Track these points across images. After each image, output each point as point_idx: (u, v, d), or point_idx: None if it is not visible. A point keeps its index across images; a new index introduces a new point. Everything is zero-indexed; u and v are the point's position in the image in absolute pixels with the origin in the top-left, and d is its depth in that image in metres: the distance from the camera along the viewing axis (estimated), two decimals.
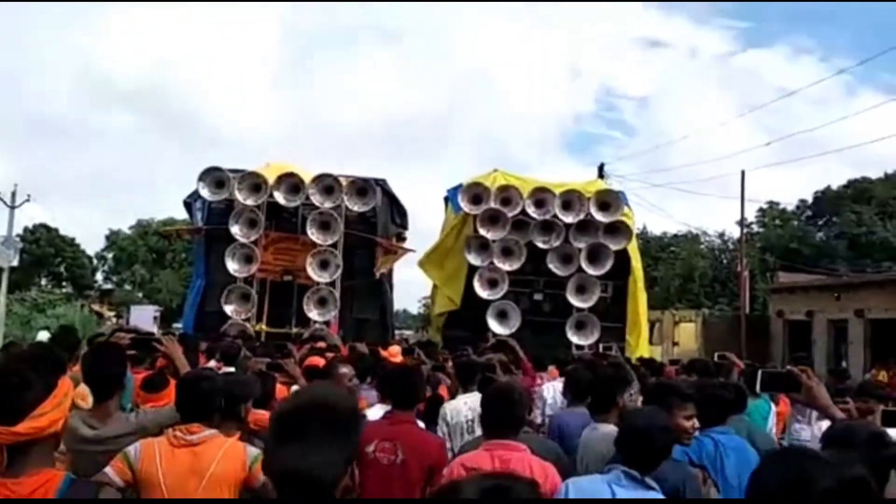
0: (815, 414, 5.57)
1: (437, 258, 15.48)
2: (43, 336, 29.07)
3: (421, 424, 4.67)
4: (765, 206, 48.78)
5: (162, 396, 4.37)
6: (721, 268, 46.62)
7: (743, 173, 29.86)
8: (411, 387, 4.47)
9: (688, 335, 29.50)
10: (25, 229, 54.49)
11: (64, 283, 64.43)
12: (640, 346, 14.67)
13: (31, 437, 2.31)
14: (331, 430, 1.90)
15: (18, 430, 2.28)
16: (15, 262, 30.86)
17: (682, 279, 44.80)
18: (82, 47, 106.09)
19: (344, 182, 14.48)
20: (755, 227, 48.68)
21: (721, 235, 48.65)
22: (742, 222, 33.07)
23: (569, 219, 14.57)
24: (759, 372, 3.58)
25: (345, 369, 5.49)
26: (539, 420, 6.94)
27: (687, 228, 49.40)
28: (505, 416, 3.79)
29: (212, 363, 7.23)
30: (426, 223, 19.70)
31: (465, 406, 5.45)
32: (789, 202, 50.83)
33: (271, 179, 14.20)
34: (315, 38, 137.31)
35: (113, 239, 67.90)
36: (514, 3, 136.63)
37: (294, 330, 13.82)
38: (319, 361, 6.84)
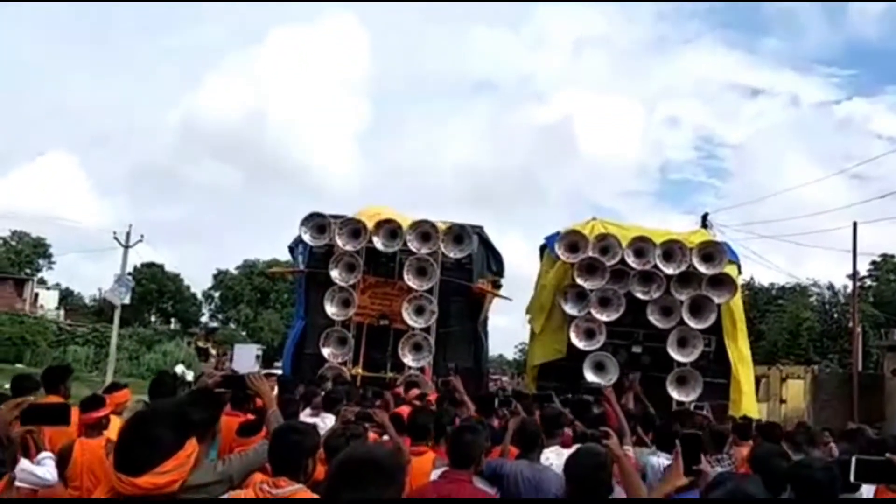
0: None
1: (540, 307, 15.24)
2: (179, 370, 30.50)
3: (480, 484, 4.43)
4: (878, 259, 46.54)
5: (254, 441, 4.26)
6: (830, 322, 44.61)
7: (855, 225, 28.66)
8: (466, 446, 4.35)
9: (796, 392, 28.14)
10: (135, 268, 56.97)
11: (171, 321, 66.89)
12: (746, 404, 14.00)
13: (148, 492, 2.43)
14: (376, 482, 2.22)
15: (138, 483, 2.41)
16: (127, 300, 32.21)
17: (790, 333, 43.01)
18: (188, 104, 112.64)
19: (441, 228, 14.55)
20: (867, 281, 46.46)
21: (830, 288, 46.66)
22: (854, 276, 31.59)
23: (670, 270, 14.13)
24: (854, 459, 3.09)
25: None
26: None
27: (795, 280, 47.50)
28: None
29: (307, 411, 7.22)
30: (520, 272, 19.51)
31: (554, 455, 5.29)
32: None
33: (370, 225, 14.39)
34: (406, 89, 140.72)
35: (220, 278, 70.19)
36: (610, 52, 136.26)
37: (389, 375, 13.86)
38: (405, 411, 6.77)
